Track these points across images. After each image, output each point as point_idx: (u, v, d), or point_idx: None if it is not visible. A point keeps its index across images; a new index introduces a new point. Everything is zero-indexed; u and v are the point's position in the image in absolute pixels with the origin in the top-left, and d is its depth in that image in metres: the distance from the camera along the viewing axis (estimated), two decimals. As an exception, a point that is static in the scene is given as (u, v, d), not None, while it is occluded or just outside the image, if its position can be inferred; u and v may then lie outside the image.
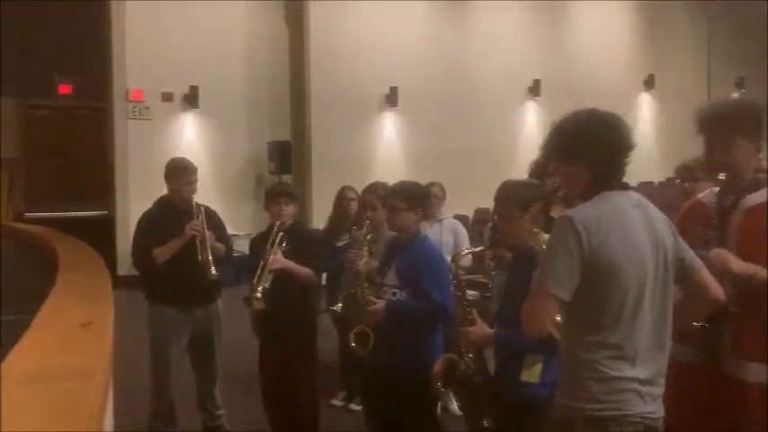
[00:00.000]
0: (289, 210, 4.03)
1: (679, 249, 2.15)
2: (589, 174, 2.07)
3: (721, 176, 2.60)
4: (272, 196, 4.08)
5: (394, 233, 3.51)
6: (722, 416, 2.40)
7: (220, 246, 4.26)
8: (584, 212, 2.01)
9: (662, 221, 2.13)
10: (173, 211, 4.23)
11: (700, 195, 2.65)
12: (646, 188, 12.68)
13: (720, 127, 2.41)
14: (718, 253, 2.31)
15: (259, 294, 3.78)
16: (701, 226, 2.54)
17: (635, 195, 2.12)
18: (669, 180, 13.35)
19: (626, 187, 2.11)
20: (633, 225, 2.04)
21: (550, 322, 2.11)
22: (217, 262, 4.17)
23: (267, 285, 3.81)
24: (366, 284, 3.49)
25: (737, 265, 2.26)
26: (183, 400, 4.49)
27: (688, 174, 3.87)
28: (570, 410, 2.05)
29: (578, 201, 2.15)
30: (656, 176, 13.53)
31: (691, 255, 2.18)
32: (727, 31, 16.92)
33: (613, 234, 1.98)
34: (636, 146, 2.11)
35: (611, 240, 1.97)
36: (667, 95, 16.04)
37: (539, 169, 3.49)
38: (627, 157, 2.10)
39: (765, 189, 2.40)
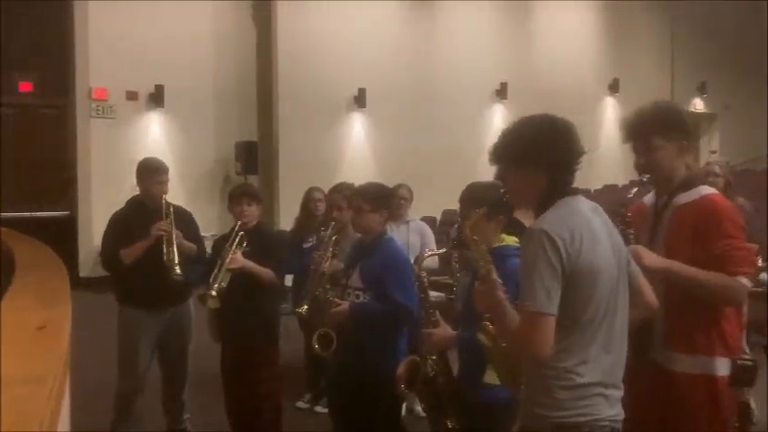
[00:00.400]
0: (251, 211, 4.01)
1: (627, 254, 2.18)
2: (546, 179, 2.05)
3: (644, 178, 2.70)
4: (235, 197, 4.07)
5: (359, 234, 3.50)
6: (656, 407, 2.48)
7: (190, 245, 4.22)
8: (555, 222, 1.98)
9: (611, 224, 2.16)
10: (143, 212, 4.21)
11: (644, 198, 2.75)
12: (610, 191, 12.88)
13: (639, 131, 2.54)
14: (633, 248, 2.39)
15: (214, 293, 3.77)
16: (642, 227, 2.65)
17: (588, 200, 2.13)
18: (632, 183, 13.57)
19: (577, 192, 2.12)
20: (598, 231, 2.04)
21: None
22: (186, 262, 4.14)
23: (224, 285, 3.80)
24: (329, 286, 3.47)
25: (649, 259, 2.35)
26: (146, 401, 4.42)
27: None
28: (540, 419, 2.03)
29: (527, 206, 2.15)
30: (621, 179, 13.73)
31: (633, 262, 2.23)
32: (690, 36, 17.28)
33: (586, 243, 1.98)
34: (586, 152, 2.11)
35: (585, 249, 1.97)
36: (631, 99, 16.24)
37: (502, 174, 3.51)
38: (579, 163, 2.10)
39: (696, 189, 2.51)
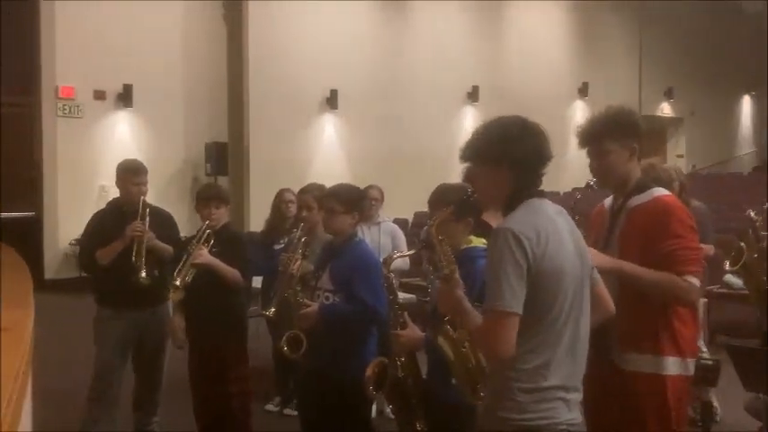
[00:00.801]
0: (218, 213, 4.00)
1: (590, 259, 2.20)
2: (511, 179, 2.06)
3: (592, 182, 2.80)
4: (202, 200, 4.06)
5: (329, 236, 3.49)
6: (612, 407, 2.51)
7: (165, 247, 4.18)
8: (522, 222, 1.99)
9: (578, 230, 2.18)
10: (121, 213, 4.20)
11: (605, 200, 2.78)
12: (571, 197, 13.02)
13: (591, 136, 2.61)
14: None
15: (177, 282, 3.77)
16: (600, 229, 2.72)
17: (553, 203, 2.15)
18: (575, 189, 13.73)
19: (543, 195, 2.13)
20: (563, 233, 2.05)
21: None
22: (161, 264, 4.14)
23: (188, 279, 3.80)
24: (299, 288, 3.45)
25: (599, 260, 2.37)
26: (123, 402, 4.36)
27: None
28: (500, 421, 2.03)
29: (494, 206, 2.16)
30: (581, 183, 13.87)
31: (595, 269, 2.25)
32: (658, 42, 17.58)
33: (551, 243, 1.99)
34: (553, 156, 2.13)
35: (550, 249, 1.98)
36: (601, 103, 16.21)
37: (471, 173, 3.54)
38: (545, 166, 2.11)
39: (649, 191, 2.57)
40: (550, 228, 2.01)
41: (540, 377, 2.00)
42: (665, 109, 18.68)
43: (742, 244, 3.24)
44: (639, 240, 2.49)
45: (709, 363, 2.08)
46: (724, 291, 5.81)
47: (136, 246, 4.03)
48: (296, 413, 4.35)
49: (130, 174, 4.24)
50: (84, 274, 4.44)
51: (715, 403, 3.54)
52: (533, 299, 1.96)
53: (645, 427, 2.46)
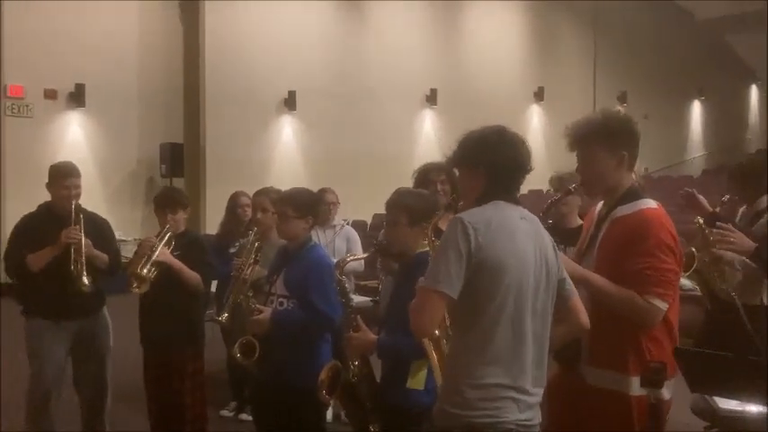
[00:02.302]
0: (177, 219, 3.92)
1: (561, 271, 2.22)
2: (484, 181, 2.15)
3: (572, 186, 2.72)
4: (158, 205, 3.97)
5: (283, 240, 3.45)
6: (577, 421, 2.47)
7: (101, 255, 4.01)
8: (475, 214, 2.08)
9: (548, 238, 2.21)
10: (53, 218, 3.99)
11: (597, 206, 2.69)
12: (535, 195, 13.19)
13: (581, 139, 2.51)
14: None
15: (144, 272, 3.67)
16: (586, 236, 2.64)
17: (524, 210, 2.18)
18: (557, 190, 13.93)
19: (516, 201, 2.18)
20: (519, 234, 2.10)
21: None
22: (96, 273, 3.97)
23: (152, 276, 3.70)
24: (251, 293, 3.40)
25: (568, 268, 2.31)
26: (66, 418, 4.24)
27: (559, 184, 4.05)
28: (448, 417, 2.06)
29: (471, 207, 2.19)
30: (545, 185, 14.05)
31: (569, 281, 2.25)
32: (612, 47, 17.92)
33: (500, 238, 2.04)
34: (533, 168, 2.19)
35: (498, 243, 2.03)
36: (556, 107, 16.75)
37: (421, 176, 3.57)
38: (522, 177, 2.19)
39: (636, 202, 2.46)
40: (505, 225, 2.08)
41: (485, 374, 2.03)
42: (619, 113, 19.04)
43: (693, 249, 3.27)
44: (615, 254, 2.40)
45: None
46: (681, 292, 5.91)
47: (74, 252, 3.85)
48: (251, 418, 4.30)
49: (60, 177, 4.00)
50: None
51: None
52: (475, 288, 2.02)
53: None
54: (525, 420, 2.07)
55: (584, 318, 2.27)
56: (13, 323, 4.33)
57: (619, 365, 2.39)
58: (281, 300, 3.30)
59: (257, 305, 3.27)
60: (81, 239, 3.88)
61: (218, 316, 3.82)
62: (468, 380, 2.03)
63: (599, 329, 2.34)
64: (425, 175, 3.53)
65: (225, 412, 5.05)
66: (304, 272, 3.25)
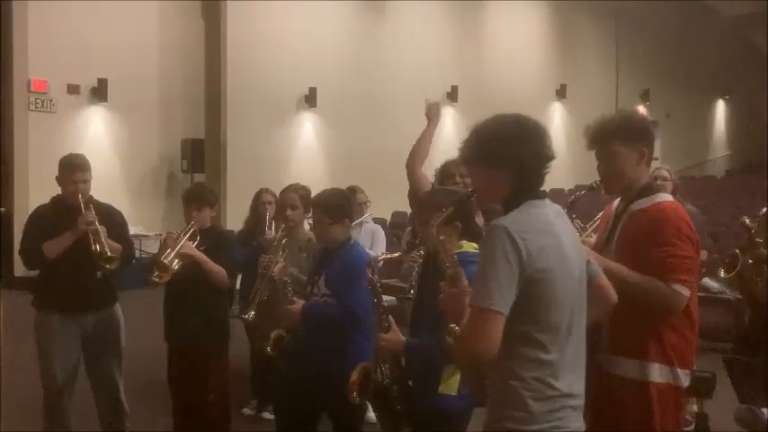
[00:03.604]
0: (201, 215, 3.90)
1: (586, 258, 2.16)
2: (512, 180, 1.99)
3: (595, 183, 2.74)
4: (185, 201, 3.98)
5: (308, 237, 3.44)
6: (599, 410, 2.47)
7: (114, 244, 3.99)
8: (518, 221, 1.91)
9: (575, 231, 2.15)
10: (65, 209, 3.99)
11: (614, 202, 2.75)
12: (556, 194, 13.09)
13: (601, 138, 2.55)
14: None
15: (166, 261, 3.64)
16: (603, 229, 2.70)
17: (553, 204, 2.08)
18: (578, 187, 13.81)
19: (544, 195, 2.05)
20: (562, 236, 1.99)
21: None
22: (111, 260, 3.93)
23: (176, 267, 3.67)
24: (288, 279, 3.40)
25: (592, 258, 2.31)
26: (84, 411, 4.24)
27: None
28: None
29: (495, 206, 2.10)
30: (566, 184, 13.96)
31: (591, 260, 2.21)
32: (635, 45, 17.73)
33: (548, 244, 1.92)
34: (555, 156, 2.07)
35: (546, 250, 1.91)
36: (578, 105, 16.61)
37: (441, 171, 3.54)
38: (548, 167, 2.03)
39: (652, 196, 2.54)
40: (546, 228, 1.95)
41: (547, 385, 1.92)
42: (641, 111, 18.86)
43: (737, 251, 3.21)
44: (635, 245, 2.46)
45: (706, 375, 2.02)
46: (701, 294, 5.82)
47: (92, 237, 3.83)
48: (272, 417, 4.27)
49: (67, 171, 4.00)
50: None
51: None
52: (528, 302, 1.89)
53: None
54: (579, 427, 2.01)
55: (613, 292, 2.23)
56: (13, 319, 4.34)
57: (639, 353, 2.44)
58: (324, 298, 3.31)
59: (293, 296, 3.29)
60: (96, 223, 3.87)
61: (244, 314, 3.80)
62: (531, 393, 1.92)
63: (619, 319, 2.38)
64: (446, 169, 3.49)
65: (246, 410, 5.03)
66: (342, 270, 3.26)
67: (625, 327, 2.42)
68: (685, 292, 2.40)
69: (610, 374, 2.48)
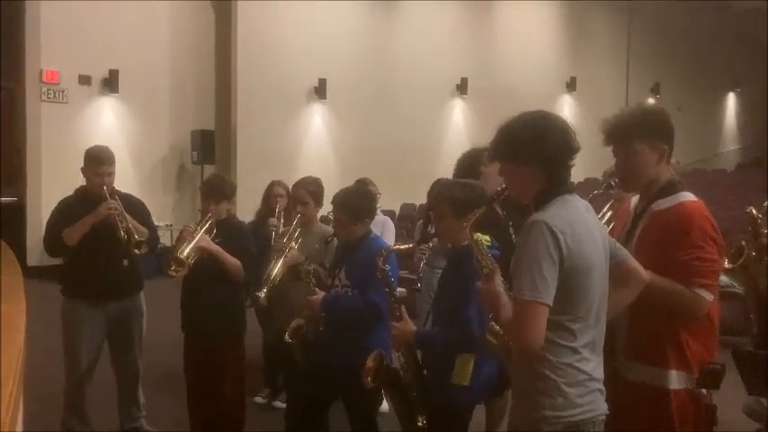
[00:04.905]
0: (218, 208, 3.91)
1: (611, 243, 2.21)
2: (543, 176, 2.06)
3: (613, 181, 2.70)
4: (202, 194, 4.01)
5: (324, 230, 3.49)
6: (615, 415, 2.39)
7: (142, 229, 4.07)
8: (557, 216, 1.99)
9: (602, 225, 2.19)
10: (88, 200, 4.06)
11: (632, 199, 2.68)
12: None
13: (619, 134, 2.46)
14: None
15: (183, 255, 3.68)
16: (622, 229, 2.62)
17: (581, 199, 2.14)
18: (587, 180, 13.79)
19: (573, 189, 2.12)
20: (594, 230, 2.07)
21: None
22: (134, 255, 4.02)
23: (191, 261, 3.71)
24: (312, 267, 3.46)
25: None
26: (102, 398, 4.30)
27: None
28: (548, 420, 2.00)
29: (526, 201, 2.13)
30: (576, 177, 13.89)
31: (618, 245, 2.27)
32: (645, 38, 17.63)
33: (584, 239, 1.99)
34: (580, 147, 2.11)
35: (584, 245, 1.98)
36: (588, 98, 16.55)
37: (466, 164, 3.51)
38: (574, 159, 2.11)
39: (675, 195, 2.45)
40: (582, 224, 2.02)
41: (578, 370, 2.00)
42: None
43: (743, 242, 3.19)
44: (657, 246, 2.39)
45: (717, 367, 2.03)
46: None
47: (119, 221, 3.92)
48: (284, 406, 4.33)
49: (94, 164, 4.07)
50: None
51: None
52: (565, 294, 1.96)
53: None
54: (605, 410, 2.08)
55: (643, 272, 2.26)
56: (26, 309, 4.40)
57: (657, 360, 2.38)
58: (345, 290, 3.38)
59: (315, 287, 3.36)
60: (121, 208, 3.94)
61: (256, 291, 3.86)
62: (566, 379, 1.99)
63: (637, 322, 2.35)
64: (472, 163, 3.49)
65: (258, 399, 5.08)
66: (361, 263, 3.31)
67: (644, 331, 2.37)
68: (708, 296, 2.33)
69: (626, 380, 2.43)
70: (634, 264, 2.25)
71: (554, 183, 2.06)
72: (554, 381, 1.99)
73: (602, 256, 2.07)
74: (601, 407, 2.05)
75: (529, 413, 2.04)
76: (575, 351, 2.00)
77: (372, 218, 3.52)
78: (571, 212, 2.02)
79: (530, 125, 2.08)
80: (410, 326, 2.81)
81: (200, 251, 3.76)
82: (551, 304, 1.93)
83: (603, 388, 2.08)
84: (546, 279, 1.91)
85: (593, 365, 2.04)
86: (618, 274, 2.20)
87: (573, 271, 1.96)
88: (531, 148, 2.05)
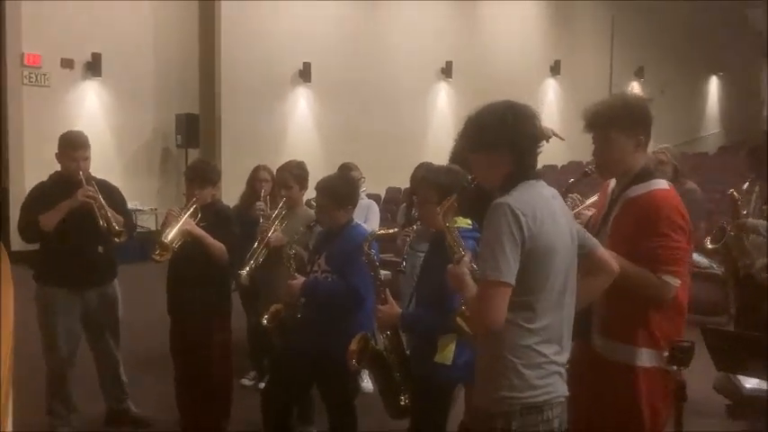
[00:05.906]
0: (202, 193, 3.92)
1: (580, 230, 2.27)
2: (510, 163, 2.11)
3: (588, 168, 2.76)
4: (187, 179, 4.00)
5: (308, 213, 3.52)
6: (588, 390, 2.51)
7: (118, 217, 4.04)
8: (519, 199, 2.04)
9: (570, 212, 2.24)
10: (64, 185, 4.02)
11: (611, 183, 2.73)
12: (549, 171, 13.16)
13: (598, 123, 2.52)
14: None
15: (167, 240, 3.70)
16: (599, 213, 2.69)
17: (550, 187, 2.21)
18: (571, 164, 13.89)
19: (539, 176, 2.18)
20: (558, 215, 2.12)
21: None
22: (109, 242, 4.01)
23: (176, 246, 3.73)
24: (293, 251, 3.49)
25: None
26: (90, 380, 4.33)
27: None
28: (506, 401, 2.06)
29: (493, 188, 2.17)
30: (560, 160, 14.03)
31: (588, 235, 2.33)
32: (629, 21, 17.67)
33: (546, 221, 2.04)
34: (548, 136, 2.18)
35: (545, 227, 2.03)
36: (572, 81, 16.62)
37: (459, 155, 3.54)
38: (540, 147, 2.17)
39: (648, 183, 2.51)
40: (546, 208, 2.07)
41: (537, 352, 2.05)
42: (635, 88, 18.84)
43: (724, 223, 3.26)
44: (628, 233, 2.46)
45: (686, 345, 2.11)
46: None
47: (96, 209, 3.91)
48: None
49: (69, 148, 4.03)
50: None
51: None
52: (525, 275, 2.01)
53: (613, 417, 2.46)
54: (564, 392, 2.13)
55: (614, 262, 2.31)
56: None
57: (627, 338, 2.46)
58: (324, 275, 3.40)
59: (295, 272, 3.38)
60: (98, 196, 3.93)
61: (239, 270, 3.90)
62: (524, 361, 2.04)
63: (610, 304, 2.43)
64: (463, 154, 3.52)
65: (245, 381, 5.12)
66: (343, 249, 3.34)
67: (616, 312, 2.46)
68: (675, 282, 2.42)
69: (599, 356, 2.51)
70: (603, 253, 2.30)
71: (519, 168, 2.12)
72: (512, 362, 2.04)
73: (567, 242, 2.11)
74: (559, 389, 2.10)
75: (488, 393, 2.10)
76: (534, 333, 2.05)
77: (355, 205, 3.56)
78: (534, 196, 2.08)
79: (499, 114, 2.13)
80: (395, 308, 2.87)
81: (185, 235, 3.77)
82: (513, 284, 1.98)
83: (563, 371, 2.13)
84: (508, 259, 1.96)
85: (554, 349, 2.09)
86: (587, 263, 2.25)
87: (534, 252, 2.01)
88: (497, 136, 2.11)
